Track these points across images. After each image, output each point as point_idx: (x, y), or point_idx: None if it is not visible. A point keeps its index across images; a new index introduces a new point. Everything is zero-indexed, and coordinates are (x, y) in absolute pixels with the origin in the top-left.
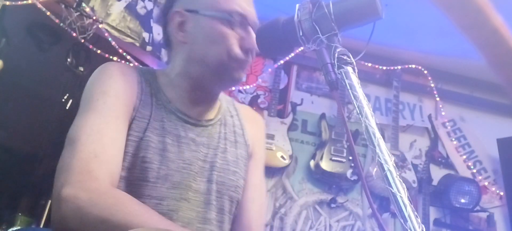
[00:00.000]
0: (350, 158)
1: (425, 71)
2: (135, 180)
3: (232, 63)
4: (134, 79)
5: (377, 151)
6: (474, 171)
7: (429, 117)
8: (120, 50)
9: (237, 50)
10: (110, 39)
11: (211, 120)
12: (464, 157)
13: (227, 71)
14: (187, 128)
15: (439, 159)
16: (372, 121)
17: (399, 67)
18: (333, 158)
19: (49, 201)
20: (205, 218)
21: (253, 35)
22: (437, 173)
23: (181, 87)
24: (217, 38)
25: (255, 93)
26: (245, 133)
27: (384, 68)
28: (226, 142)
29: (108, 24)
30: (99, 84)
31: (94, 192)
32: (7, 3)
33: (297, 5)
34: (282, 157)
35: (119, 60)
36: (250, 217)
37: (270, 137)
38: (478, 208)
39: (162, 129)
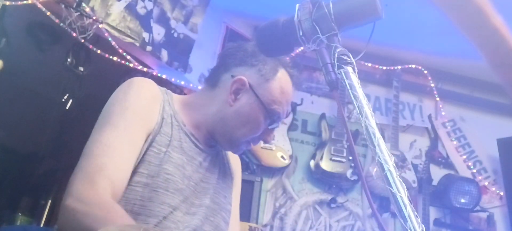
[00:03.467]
0: (350, 158)
1: (425, 71)
2: (157, 187)
3: (243, 145)
4: (158, 97)
5: (377, 151)
6: (474, 171)
7: (429, 117)
8: (120, 50)
9: (255, 142)
10: (110, 39)
11: (212, 148)
12: (464, 157)
13: (236, 146)
14: (197, 152)
15: (439, 159)
16: (372, 121)
17: (399, 67)
18: (333, 158)
19: (49, 201)
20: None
21: (273, 133)
22: (437, 173)
23: (198, 123)
24: (252, 123)
25: None
26: (230, 165)
27: (384, 68)
28: (220, 170)
29: (108, 24)
30: (120, 98)
31: (90, 204)
32: (7, 3)
33: (297, 5)
34: (282, 157)
35: (119, 60)
36: None
37: None
38: (478, 208)
39: (181, 148)
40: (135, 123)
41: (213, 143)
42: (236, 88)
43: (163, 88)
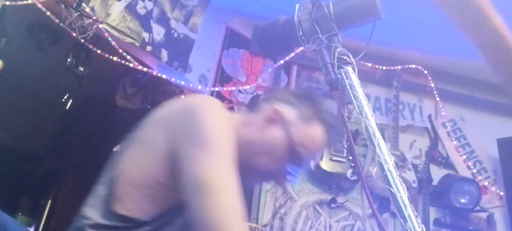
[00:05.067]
0: (350, 158)
1: (425, 71)
2: None
3: (255, 179)
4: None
5: (377, 151)
6: (474, 171)
7: (429, 117)
8: (120, 50)
9: (267, 179)
10: (110, 39)
11: None
12: (464, 157)
13: (248, 172)
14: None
15: (439, 159)
16: (372, 121)
17: (399, 67)
18: (333, 158)
19: (49, 201)
20: None
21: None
22: (437, 173)
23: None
24: (274, 155)
25: (255, 93)
26: None
27: (384, 68)
28: None
29: (108, 24)
30: (221, 129)
31: None
32: (7, 3)
33: (297, 5)
34: None
35: (119, 60)
36: None
37: None
38: (478, 208)
39: None
40: (234, 156)
41: None
42: (272, 118)
43: None
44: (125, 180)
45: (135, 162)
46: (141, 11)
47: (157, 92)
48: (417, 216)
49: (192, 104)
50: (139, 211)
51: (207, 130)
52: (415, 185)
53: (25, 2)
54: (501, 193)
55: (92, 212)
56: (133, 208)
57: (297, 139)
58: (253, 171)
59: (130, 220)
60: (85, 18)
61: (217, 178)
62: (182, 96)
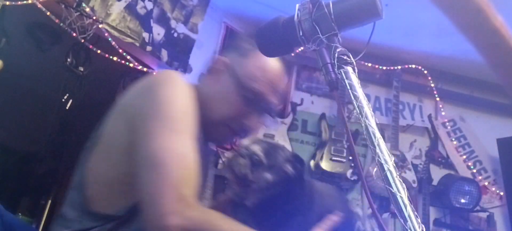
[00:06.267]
0: (350, 158)
1: (425, 71)
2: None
3: (224, 132)
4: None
5: (377, 151)
6: (474, 171)
7: (429, 117)
8: (120, 50)
9: (240, 132)
10: (110, 39)
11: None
12: (464, 157)
13: (217, 133)
14: (201, 144)
15: (439, 159)
16: (372, 121)
17: (399, 67)
18: (333, 158)
19: (49, 201)
20: None
21: (257, 129)
22: (437, 173)
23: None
24: (231, 103)
25: None
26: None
27: (384, 68)
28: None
29: (108, 24)
30: (177, 101)
31: (194, 219)
32: (7, 3)
33: (297, 5)
34: None
35: (119, 60)
36: None
37: (270, 136)
38: (478, 208)
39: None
40: (194, 128)
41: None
42: (217, 69)
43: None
44: (97, 180)
45: (104, 160)
46: (141, 11)
47: None
48: (417, 216)
49: (148, 83)
50: (116, 207)
51: (160, 104)
52: (415, 185)
53: (25, 2)
54: (501, 193)
55: (70, 213)
56: (109, 206)
57: (244, 75)
58: (222, 128)
59: (108, 217)
60: (85, 18)
61: (167, 150)
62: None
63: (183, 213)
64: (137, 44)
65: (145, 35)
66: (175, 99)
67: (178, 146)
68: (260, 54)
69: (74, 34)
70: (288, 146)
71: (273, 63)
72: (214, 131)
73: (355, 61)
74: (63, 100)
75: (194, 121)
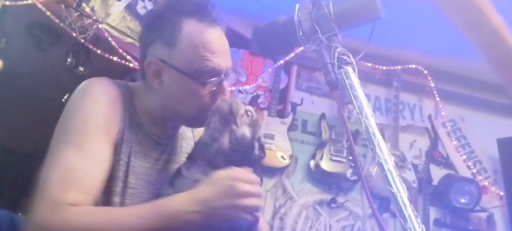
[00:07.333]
0: (350, 158)
1: (425, 71)
2: (126, 205)
3: (204, 116)
4: (119, 100)
5: (377, 151)
6: (474, 171)
7: (429, 117)
8: (120, 50)
9: (208, 107)
10: (110, 39)
11: (174, 135)
12: (464, 157)
13: (199, 121)
14: (159, 149)
15: (439, 159)
16: (372, 121)
17: (399, 67)
18: (333, 158)
19: None
20: None
21: (227, 88)
22: (437, 173)
23: (156, 117)
24: (190, 96)
25: (255, 93)
26: (192, 133)
27: (384, 68)
28: (181, 148)
29: (108, 24)
30: (78, 110)
31: (59, 223)
32: (7, 3)
33: (297, 5)
34: (282, 157)
35: (119, 60)
36: None
37: (270, 137)
38: (478, 208)
39: (142, 153)
40: (99, 137)
41: (176, 129)
42: (155, 72)
43: (122, 82)
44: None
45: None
46: (141, 11)
47: None
48: (417, 216)
49: (72, 96)
50: None
51: (63, 117)
52: (415, 185)
53: (25, 2)
54: (501, 193)
55: None
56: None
57: (182, 63)
58: (197, 114)
59: None
60: (85, 18)
61: (53, 164)
62: None
63: (51, 221)
64: (137, 44)
65: None
66: (80, 109)
67: (69, 159)
68: (184, 30)
69: (74, 34)
70: (288, 146)
71: (197, 30)
72: (195, 121)
73: (355, 61)
74: (63, 100)
75: (103, 130)
